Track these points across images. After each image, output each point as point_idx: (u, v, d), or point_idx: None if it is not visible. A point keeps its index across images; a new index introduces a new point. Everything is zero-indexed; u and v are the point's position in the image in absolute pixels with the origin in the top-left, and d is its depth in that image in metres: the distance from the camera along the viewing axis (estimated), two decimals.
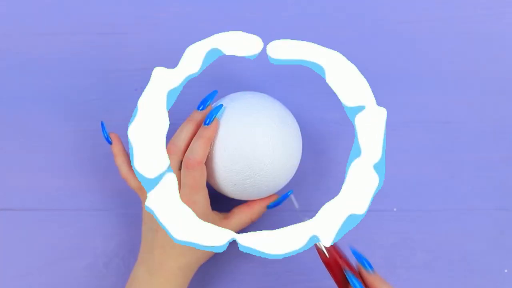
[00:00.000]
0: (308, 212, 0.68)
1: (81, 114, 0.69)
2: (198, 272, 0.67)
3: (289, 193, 0.62)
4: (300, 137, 0.62)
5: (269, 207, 0.63)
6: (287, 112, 0.62)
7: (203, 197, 0.60)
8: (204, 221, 0.60)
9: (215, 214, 0.61)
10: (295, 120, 0.62)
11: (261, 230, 0.68)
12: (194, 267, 0.61)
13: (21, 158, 0.69)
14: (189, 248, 0.60)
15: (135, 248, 0.68)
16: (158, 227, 0.61)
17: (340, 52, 0.70)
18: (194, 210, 0.59)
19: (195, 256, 0.61)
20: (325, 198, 0.68)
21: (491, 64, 0.69)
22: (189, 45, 0.70)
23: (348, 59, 0.69)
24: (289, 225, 0.69)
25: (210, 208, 0.61)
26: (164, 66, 0.70)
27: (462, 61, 0.69)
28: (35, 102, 0.69)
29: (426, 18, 0.69)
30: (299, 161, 0.62)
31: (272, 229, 0.69)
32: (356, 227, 0.68)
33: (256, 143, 0.58)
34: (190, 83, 0.70)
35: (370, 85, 0.69)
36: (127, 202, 0.69)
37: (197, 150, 0.59)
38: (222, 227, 0.61)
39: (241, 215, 0.62)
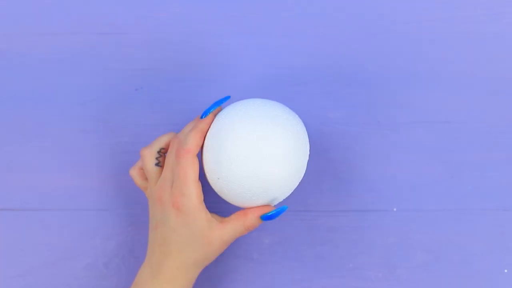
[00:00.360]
0: (308, 212, 0.68)
1: (81, 114, 0.69)
2: None
3: (284, 208, 0.60)
4: (305, 153, 0.60)
5: (263, 218, 0.60)
6: (295, 126, 0.59)
7: (194, 191, 0.59)
8: (196, 218, 0.59)
9: (211, 216, 0.60)
10: (304, 135, 0.60)
11: (261, 230, 0.68)
12: (192, 268, 0.61)
13: (21, 158, 0.69)
14: (186, 245, 0.60)
15: (135, 248, 0.68)
16: (157, 224, 0.61)
17: (340, 53, 0.70)
18: (183, 203, 0.59)
19: (192, 256, 0.60)
20: (325, 198, 0.68)
21: (491, 64, 0.69)
22: (189, 45, 0.70)
23: (348, 59, 0.70)
24: (289, 226, 0.69)
25: (203, 205, 0.59)
26: (163, 66, 0.70)
27: (462, 61, 0.69)
28: (35, 102, 0.69)
29: (426, 18, 0.69)
30: (296, 170, 0.59)
31: (272, 230, 0.69)
32: (356, 227, 0.68)
33: (243, 144, 0.57)
34: (190, 88, 0.70)
35: (369, 85, 0.69)
36: (127, 202, 0.69)
37: (188, 140, 0.59)
38: (217, 230, 0.60)
39: (235, 222, 0.60)
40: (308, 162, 0.68)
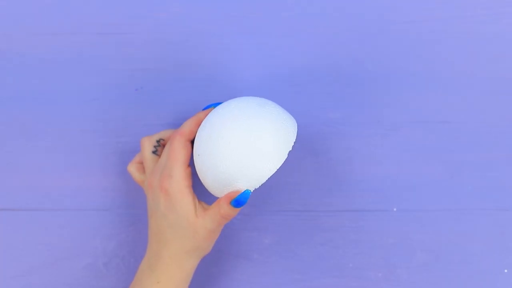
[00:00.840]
0: (308, 212, 0.68)
1: (81, 114, 0.69)
2: (198, 271, 0.67)
3: (248, 192, 0.59)
4: (289, 147, 0.59)
5: (232, 204, 0.59)
6: (283, 121, 0.59)
7: (182, 173, 0.60)
8: (182, 201, 0.59)
9: (198, 202, 0.61)
10: (290, 130, 0.59)
11: (261, 230, 0.68)
12: (185, 258, 0.61)
13: (21, 158, 0.69)
14: (175, 233, 0.60)
15: (135, 248, 0.68)
16: (151, 213, 0.62)
17: (340, 53, 0.70)
18: (170, 185, 0.59)
19: (182, 244, 0.60)
20: (325, 198, 0.68)
21: (491, 64, 0.69)
22: (189, 45, 0.70)
23: (348, 59, 0.70)
24: (289, 226, 0.69)
25: (190, 189, 0.60)
26: (163, 66, 0.70)
27: (462, 61, 0.69)
28: (35, 102, 0.69)
29: (426, 18, 0.69)
30: (273, 163, 0.58)
31: (272, 230, 0.69)
32: (356, 227, 0.68)
33: (222, 129, 0.58)
34: (190, 88, 0.70)
35: (369, 85, 0.69)
36: (127, 202, 0.69)
37: (183, 125, 0.62)
38: (200, 218, 0.60)
39: (213, 211, 0.60)
40: (308, 162, 0.68)
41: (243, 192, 0.58)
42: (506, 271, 0.68)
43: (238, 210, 0.60)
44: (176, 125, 0.69)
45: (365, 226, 0.68)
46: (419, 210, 0.68)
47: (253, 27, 0.70)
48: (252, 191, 0.59)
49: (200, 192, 0.63)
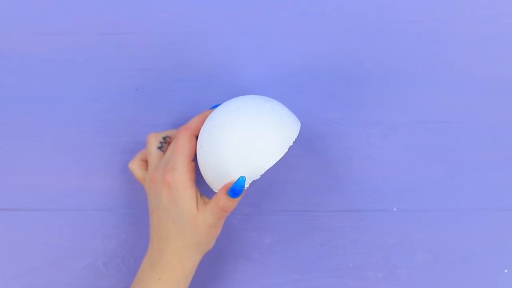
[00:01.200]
0: (308, 212, 0.68)
1: (81, 114, 0.69)
2: (198, 271, 0.67)
3: (242, 179, 0.58)
4: (289, 143, 0.59)
5: (229, 194, 0.59)
6: (286, 121, 0.59)
7: (185, 166, 0.60)
8: (185, 194, 0.60)
9: (199, 196, 0.61)
10: (291, 126, 0.59)
11: (261, 230, 0.68)
12: (186, 253, 0.61)
13: (21, 158, 0.69)
14: (176, 227, 0.60)
15: (135, 248, 0.68)
16: (153, 210, 0.62)
17: (340, 53, 0.70)
18: (174, 178, 0.60)
19: (183, 239, 0.60)
20: (325, 198, 0.68)
21: (491, 64, 0.69)
22: (189, 45, 0.70)
23: (348, 59, 0.70)
24: (289, 226, 0.69)
25: (192, 182, 0.61)
26: (163, 66, 0.70)
27: (462, 61, 0.69)
28: (35, 102, 0.69)
29: (426, 18, 0.69)
30: (272, 157, 0.58)
31: (272, 230, 0.69)
32: (356, 227, 0.68)
33: (224, 126, 0.59)
34: (190, 88, 0.70)
35: (369, 85, 0.69)
36: (127, 202, 0.69)
37: (189, 122, 0.63)
38: (201, 212, 0.60)
39: (212, 204, 0.60)
40: (308, 162, 0.68)
41: (237, 180, 0.58)
42: (506, 271, 0.68)
43: (235, 201, 0.59)
44: (176, 125, 0.69)
45: (365, 226, 0.68)
46: (419, 210, 0.68)
47: (253, 27, 0.70)
48: (250, 182, 0.59)
49: (202, 191, 0.63)
